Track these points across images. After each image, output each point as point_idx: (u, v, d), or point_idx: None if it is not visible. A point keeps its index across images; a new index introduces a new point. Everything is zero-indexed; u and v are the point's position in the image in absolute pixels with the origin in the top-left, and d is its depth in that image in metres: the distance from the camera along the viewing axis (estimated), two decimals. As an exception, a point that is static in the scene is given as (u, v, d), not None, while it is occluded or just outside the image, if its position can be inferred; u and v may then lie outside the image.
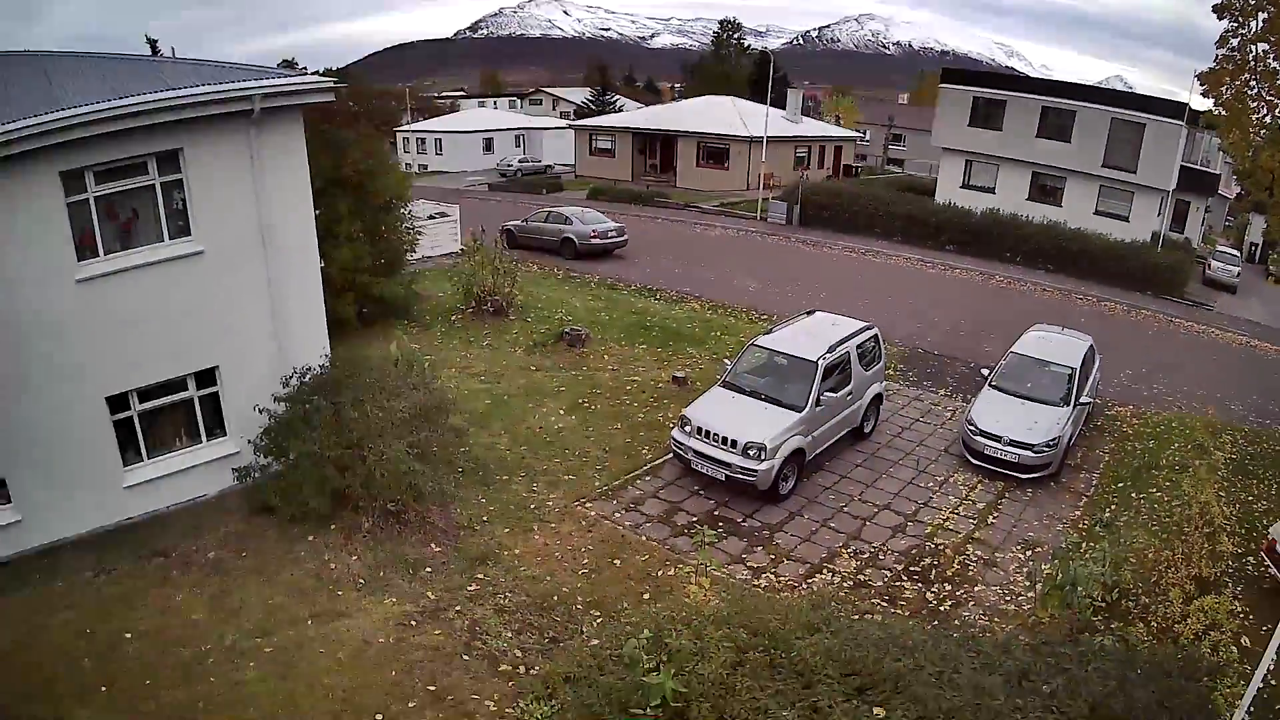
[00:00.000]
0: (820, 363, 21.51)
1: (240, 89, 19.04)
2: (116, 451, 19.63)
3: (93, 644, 15.17)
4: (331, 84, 20.93)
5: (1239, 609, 16.22)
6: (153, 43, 66.81)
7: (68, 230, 18.09)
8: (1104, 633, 14.86)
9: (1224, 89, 26.20)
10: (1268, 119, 25.82)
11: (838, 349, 22.38)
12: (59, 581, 17.28)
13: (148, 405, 19.97)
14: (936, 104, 69.23)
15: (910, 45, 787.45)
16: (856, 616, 15.63)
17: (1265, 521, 20.59)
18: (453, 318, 34.22)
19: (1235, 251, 64.91)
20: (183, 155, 19.17)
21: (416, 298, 35.25)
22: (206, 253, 19.65)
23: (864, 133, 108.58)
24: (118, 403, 19.50)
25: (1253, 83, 25.96)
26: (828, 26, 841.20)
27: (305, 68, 76.50)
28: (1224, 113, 26.55)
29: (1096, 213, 57.43)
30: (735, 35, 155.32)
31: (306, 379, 20.33)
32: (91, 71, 21.48)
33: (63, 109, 17.47)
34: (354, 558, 17.79)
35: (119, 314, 19.00)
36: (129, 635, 15.38)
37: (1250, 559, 19.10)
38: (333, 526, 18.57)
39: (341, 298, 28.21)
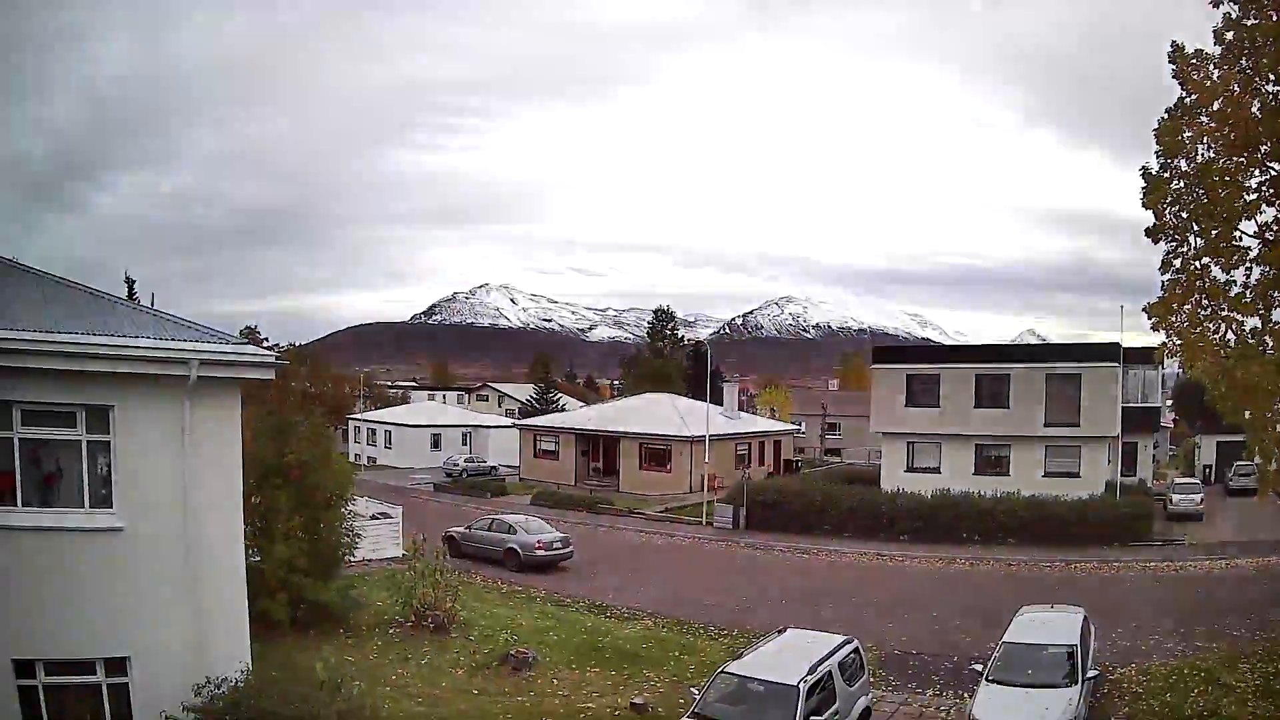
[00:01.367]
0: (801, 686, 19.72)
1: (179, 350, 18.73)
2: (19, 717, 18.17)
3: None
4: (273, 360, 20.96)
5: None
6: (130, 283, 66.99)
7: None
8: None
9: (1175, 317, 25.48)
10: (1229, 338, 25.02)
11: (818, 668, 20.71)
12: None
13: (54, 680, 18.51)
14: (870, 386, 70.18)
15: (829, 326, 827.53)
16: None
17: None
18: (391, 630, 32.59)
19: (1193, 480, 66.23)
20: (113, 414, 18.61)
21: (355, 605, 33.61)
22: (125, 531, 18.74)
23: (800, 424, 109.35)
24: (24, 668, 18.17)
25: (1205, 302, 25.41)
26: (751, 312, 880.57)
27: (266, 338, 77.30)
28: (1179, 341, 25.77)
29: (1046, 475, 57.11)
30: (669, 326, 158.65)
31: (221, 691, 18.86)
32: (53, 297, 20.91)
33: (4, 327, 17.29)
34: None
35: (30, 575, 18.14)
36: None
37: None
38: None
39: (275, 599, 26.96)
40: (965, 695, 24.91)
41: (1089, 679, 22.48)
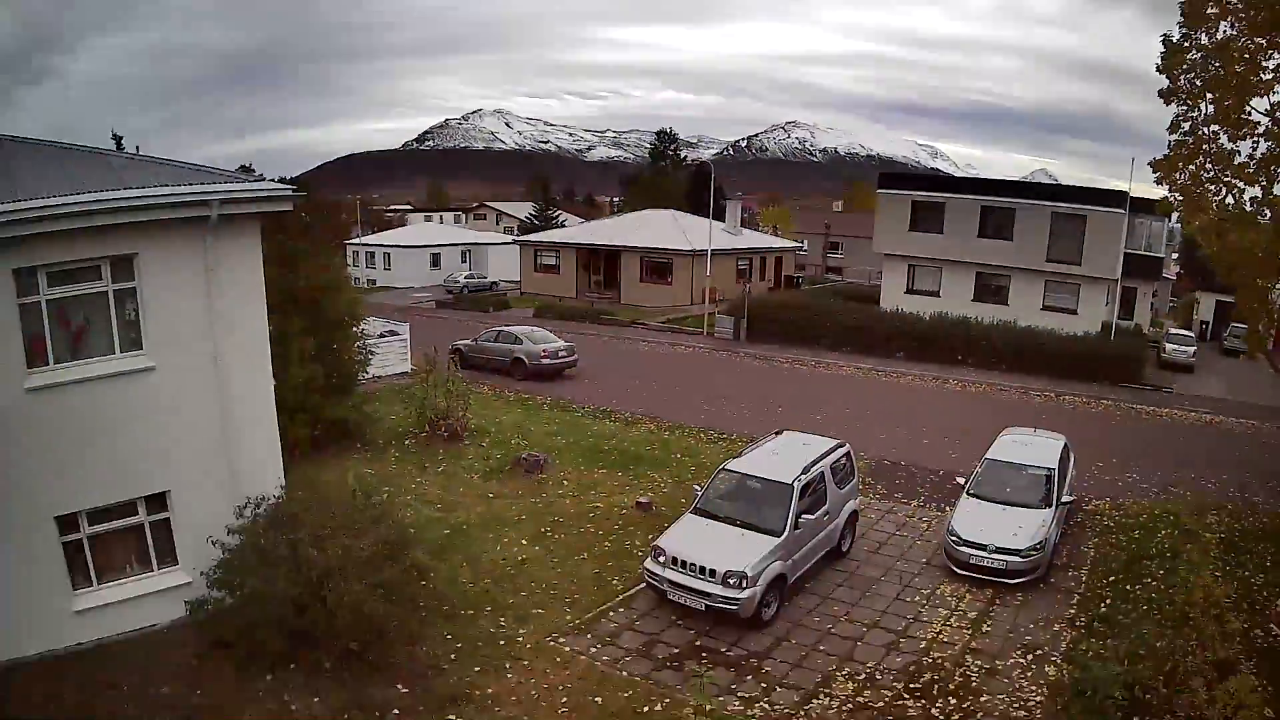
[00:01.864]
0: (796, 485, 21.08)
1: (199, 192, 18.62)
2: (66, 574, 18.81)
3: None
4: (290, 192, 20.65)
5: (1258, 684, 15.68)
6: (118, 139, 66.73)
7: (19, 333, 17.57)
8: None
9: (1178, 175, 26.23)
10: (1228, 200, 25.86)
11: (812, 469, 22.02)
12: (8, 709, 16.40)
13: (98, 528, 19.12)
14: (875, 210, 69.84)
15: (836, 151, 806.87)
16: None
17: (1266, 593, 20.76)
18: (406, 442, 33.61)
19: (1188, 332, 65.79)
20: (137, 261, 18.71)
21: (370, 420, 34.50)
22: (158, 368, 19.07)
23: (802, 242, 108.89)
24: (67, 523, 18.70)
25: (1208, 165, 26.07)
26: (756, 135, 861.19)
27: (262, 175, 77.33)
28: (1180, 198, 26.56)
29: (1044, 308, 58.11)
30: (672, 147, 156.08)
31: (261, 510, 19.47)
32: (52, 162, 20.69)
33: (21, 199, 17.07)
34: (316, 699, 16.80)
35: (69, 428, 18.36)
36: None
37: (1259, 632, 19.01)
38: (292, 665, 17.51)
39: (294, 420, 27.43)
40: (947, 508, 26.23)
41: (1064, 503, 23.83)
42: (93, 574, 19.25)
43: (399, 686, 17.36)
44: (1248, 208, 25.72)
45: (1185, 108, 26.18)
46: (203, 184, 19.04)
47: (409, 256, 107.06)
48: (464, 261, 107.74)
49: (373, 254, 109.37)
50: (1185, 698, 15.04)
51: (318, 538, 18.27)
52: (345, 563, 17.77)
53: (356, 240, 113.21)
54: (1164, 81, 26.50)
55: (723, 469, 22.85)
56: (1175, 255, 78.22)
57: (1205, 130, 25.92)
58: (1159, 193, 28.52)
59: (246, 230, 19.89)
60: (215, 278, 19.30)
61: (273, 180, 22.49)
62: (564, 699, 17.19)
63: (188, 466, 19.78)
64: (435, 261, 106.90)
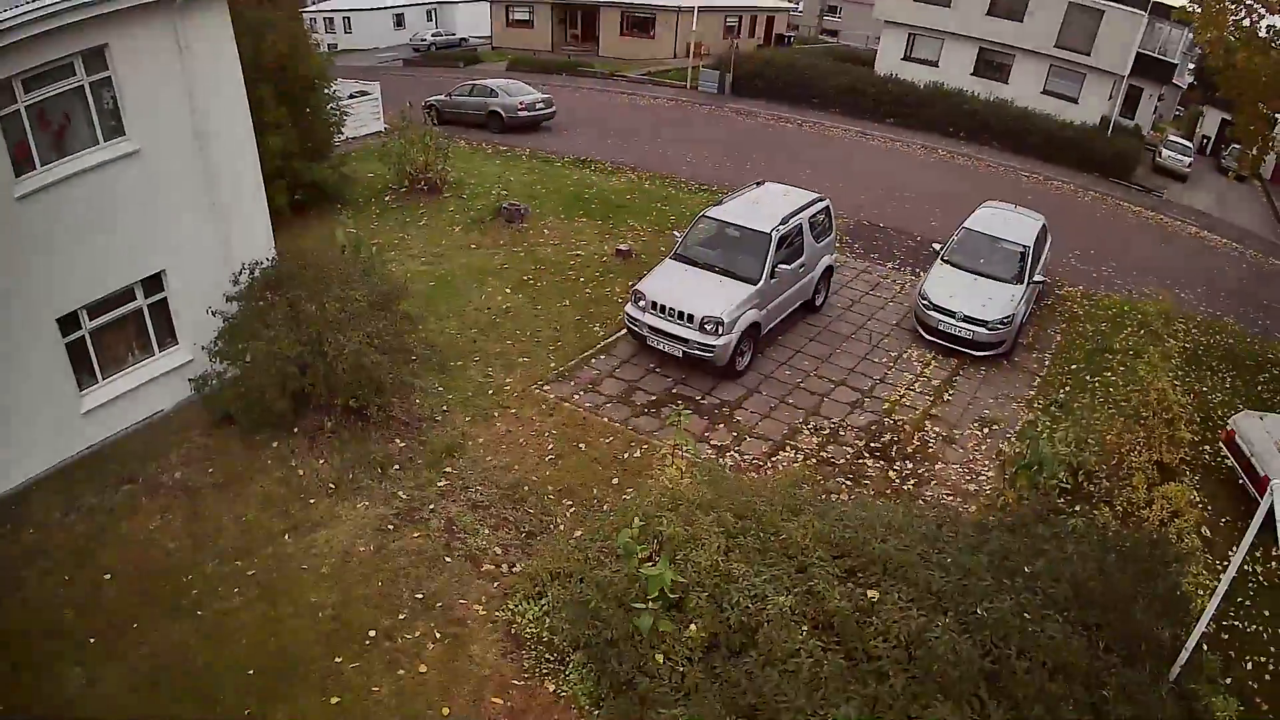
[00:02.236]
0: (774, 234, 21.32)
1: None
2: (72, 377, 19.00)
3: (73, 592, 14.85)
4: None
5: (1198, 498, 16.67)
6: None
7: (2, 145, 17.17)
8: (1071, 515, 15.00)
9: (1202, -16, 26.07)
10: (1245, 21, 25.77)
11: (790, 220, 22.19)
12: (29, 528, 16.72)
13: (98, 322, 19.22)
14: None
15: None
16: (824, 496, 15.92)
17: (1221, 413, 21.16)
18: (386, 198, 33.69)
19: (1187, 141, 64.82)
20: (109, 51, 18.36)
21: (348, 181, 34.44)
22: (143, 151, 18.97)
23: (797, 2, 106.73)
24: (68, 323, 18.79)
25: None
26: None
27: None
28: (1199, 9, 26.45)
29: (1045, 92, 57.09)
30: None
31: (256, 274, 19.92)
32: None
33: None
34: (321, 461, 17.55)
35: (62, 228, 18.35)
36: (108, 576, 15.08)
37: (1207, 448, 19.59)
38: (295, 430, 18.26)
39: (273, 186, 26.86)
40: (920, 272, 27.03)
41: (1035, 282, 24.27)
42: (97, 370, 19.48)
43: (397, 440, 18.14)
44: (1262, 33, 25.54)
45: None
46: None
47: (370, 18, 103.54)
48: (430, 20, 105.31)
49: (331, 20, 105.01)
50: (1126, 492, 15.97)
51: (314, 294, 18.79)
52: (342, 316, 18.31)
53: (313, 8, 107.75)
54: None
55: (703, 215, 23.05)
56: (1191, 65, 76.69)
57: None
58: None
59: (215, 5, 19.68)
60: (189, 56, 19.21)
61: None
62: (550, 446, 18.13)
63: (181, 243, 19.97)
64: (399, 21, 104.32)
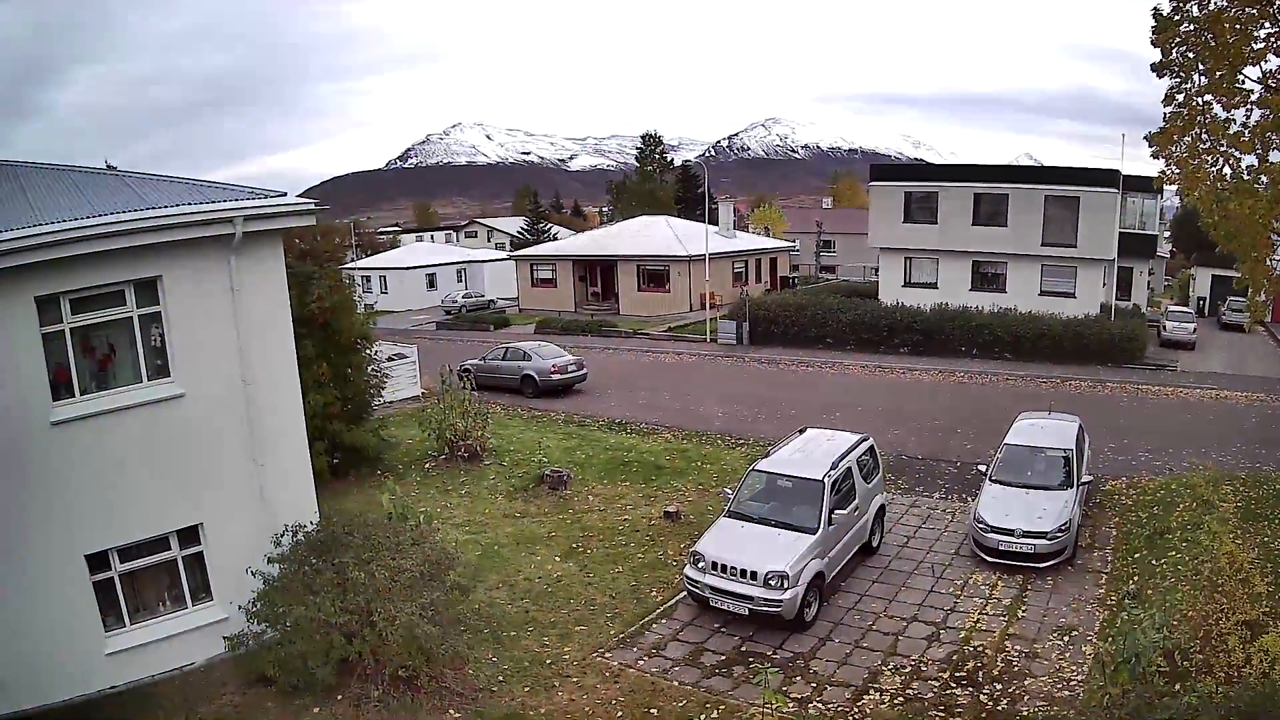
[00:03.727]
0: (826, 480, 21.07)
1: (224, 209, 18.16)
2: (98, 615, 18.30)
3: None
4: (313, 206, 20.23)
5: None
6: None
7: (44, 364, 17.15)
8: (1177, 694, 14.53)
9: (1174, 147, 26.49)
10: (1225, 170, 26.11)
11: (840, 464, 21.99)
12: None
13: (129, 566, 18.63)
14: (869, 204, 69.93)
15: (818, 146, 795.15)
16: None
17: None
18: (426, 465, 33.34)
19: (1187, 309, 65.88)
20: (161, 284, 18.19)
21: (388, 445, 34.12)
22: (186, 396, 18.56)
23: (795, 242, 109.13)
24: (97, 562, 18.19)
25: (1204, 136, 26.22)
26: (737, 134, 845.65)
27: (285, 192, 76.24)
28: (1177, 171, 26.83)
29: (1042, 293, 58.04)
30: (658, 149, 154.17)
31: (300, 537, 19.16)
32: (67, 186, 20.17)
33: (41, 224, 16.68)
34: None
35: (97, 462, 17.88)
36: None
37: None
38: (339, 697, 17.35)
39: (313, 447, 25.62)
40: (968, 498, 26.67)
41: (1083, 484, 24.07)
42: (125, 613, 18.83)
43: (451, 712, 17.21)
44: (1245, 176, 25.81)
45: (1178, 80, 26.27)
46: (225, 200, 18.69)
47: (405, 278, 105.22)
48: (459, 280, 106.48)
49: (369, 277, 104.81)
50: (1222, 658, 15.41)
51: (362, 561, 18.07)
52: (393, 585, 17.59)
53: (351, 264, 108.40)
54: (1147, 56, 26.71)
55: (753, 469, 22.86)
56: (1167, 233, 78.18)
57: (1199, 101, 26.01)
58: (1153, 168, 28.73)
59: (269, 248, 19.51)
60: (240, 298, 18.88)
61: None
62: (619, 713, 17.16)
63: (220, 497, 19.35)
64: (431, 282, 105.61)
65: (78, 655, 17.96)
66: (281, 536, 18.94)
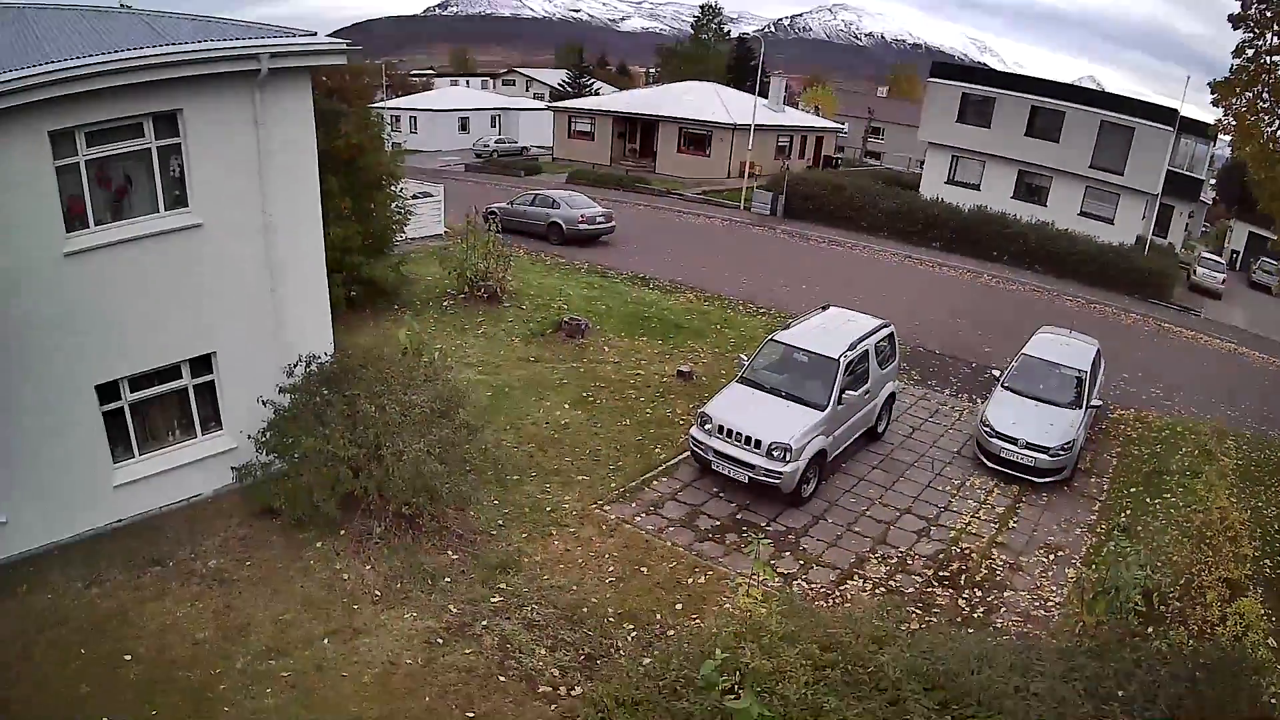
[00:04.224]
0: (842, 360, 21.00)
1: (248, 46, 17.69)
2: (106, 447, 18.16)
3: (87, 666, 14.06)
4: (344, 46, 19.56)
5: (1265, 611, 16.08)
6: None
7: (56, 197, 16.72)
8: (1149, 637, 14.46)
9: (1236, 100, 26.15)
10: (1279, 132, 25.74)
11: (858, 346, 21.91)
12: (46, 593, 16.03)
13: (139, 395, 18.43)
14: (923, 98, 68.94)
15: (882, 37, 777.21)
16: (896, 626, 15.42)
17: (1276, 527, 21.06)
18: (444, 303, 33.01)
19: (1219, 259, 65.01)
20: (182, 117, 17.64)
21: (407, 281, 33.82)
22: (205, 226, 18.22)
23: (844, 125, 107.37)
24: (107, 392, 18.01)
25: (1266, 95, 25.96)
26: (800, 15, 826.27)
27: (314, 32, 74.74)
28: (1233, 123, 26.49)
29: (1081, 214, 57.22)
30: (715, 20, 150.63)
31: (313, 369, 19.05)
32: (80, 25, 19.38)
33: (52, 62, 16.03)
34: (368, 567, 16.79)
35: (110, 293, 17.64)
36: (128, 657, 14.30)
37: (1268, 562, 19.31)
38: (342, 532, 17.47)
39: (331, 279, 25.25)
40: (978, 399, 26.80)
41: (1093, 406, 23.99)
42: (134, 444, 18.70)
43: (449, 552, 17.37)
44: None
45: (1252, 34, 25.96)
46: (252, 38, 18.14)
47: (437, 121, 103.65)
48: (493, 127, 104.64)
49: (398, 118, 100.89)
50: (1199, 611, 15.53)
51: (374, 395, 18.07)
52: (403, 420, 17.59)
53: (381, 104, 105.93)
54: (1232, 6, 26.27)
55: (770, 339, 22.76)
56: (1213, 181, 76.86)
57: (1268, 60, 25.78)
58: (1209, 115, 28.42)
59: (297, 87, 18.98)
60: (265, 134, 18.47)
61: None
62: (610, 567, 17.42)
63: (235, 327, 19.16)
64: (464, 126, 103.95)
65: (87, 488, 18.06)
66: (295, 367, 18.98)
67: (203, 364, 19.12)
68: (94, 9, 20.93)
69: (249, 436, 18.48)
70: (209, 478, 19.19)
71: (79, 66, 16.09)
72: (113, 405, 18.14)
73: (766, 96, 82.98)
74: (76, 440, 17.74)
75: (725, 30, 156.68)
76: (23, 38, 18.24)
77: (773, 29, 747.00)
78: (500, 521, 18.56)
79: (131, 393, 18.32)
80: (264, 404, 18.38)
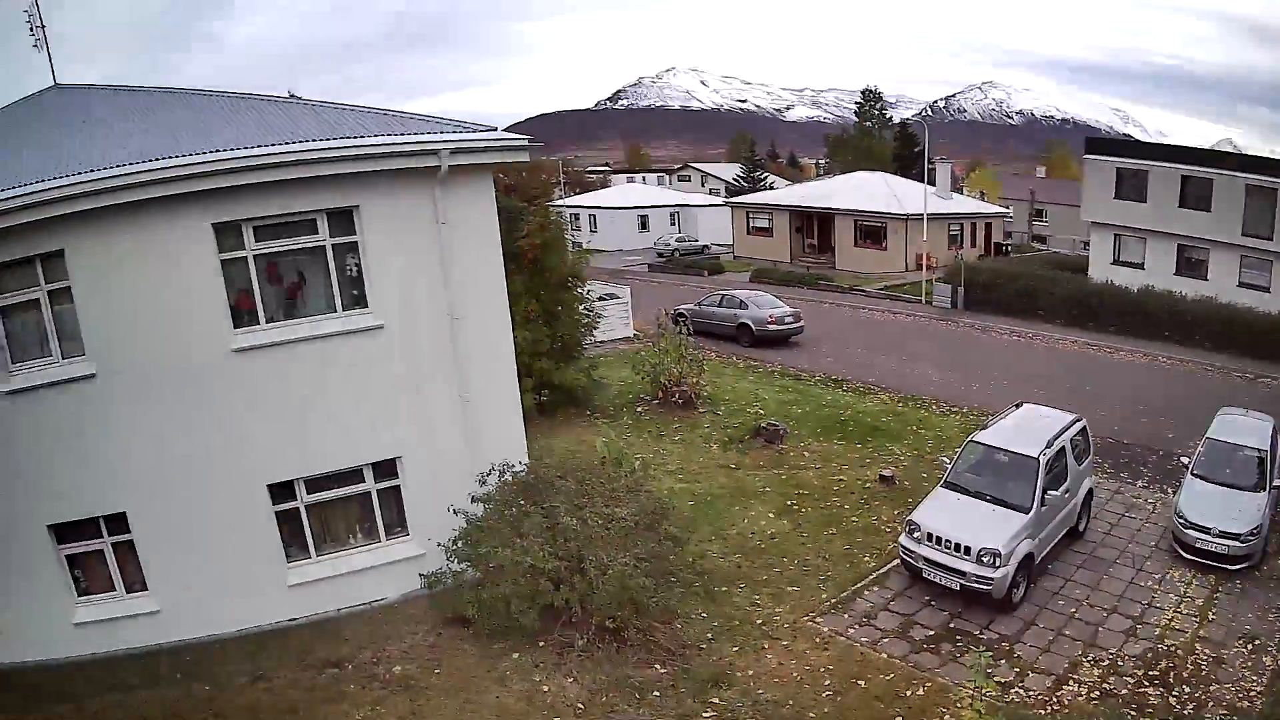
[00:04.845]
0: (1041, 459, 20.20)
1: (428, 141, 17.24)
2: (279, 545, 17.92)
3: None
4: (527, 142, 18.79)
5: None
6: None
7: (222, 291, 16.62)
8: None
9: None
10: None
11: (1054, 443, 21.10)
12: (205, 684, 15.69)
13: (317, 497, 18.12)
14: (1079, 176, 67.00)
15: (1031, 113, 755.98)
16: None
17: None
18: (638, 409, 32.30)
19: None
20: (358, 214, 17.29)
21: (598, 386, 32.91)
22: (386, 327, 17.79)
23: (1008, 208, 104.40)
24: (282, 492, 17.77)
25: None
26: (954, 96, 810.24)
27: (494, 127, 74.96)
28: None
29: (1240, 284, 53.87)
30: (877, 105, 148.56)
31: (508, 477, 18.21)
32: (254, 114, 19.02)
33: (219, 150, 16.05)
34: (569, 679, 15.97)
35: (283, 391, 17.40)
36: None
37: None
38: (541, 643, 16.75)
39: (520, 384, 23.39)
40: (1169, 489, 25.35)
41: (1276, 486, 22.63)
42: (311, 545, 18.34)
43: (657, 666, 16.57)
44: None
45: None
46: (429, 133, 17.66)
47: (617, 218, 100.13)
48: (673, 224, 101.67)
49: (577, 216, 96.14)
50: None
51: (576, 506, 17.22)
52: (606, 533, 16.76)
53: (560, 202, 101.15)
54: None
55: (970, 440, 22.11)
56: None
57: None
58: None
59: (479, 183, 18.31)
60: (448, 232, 17.82)
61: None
62: (826, 681, 16.68)
63: (422, 431, 18.50)
64: (643, 224, 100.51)
65: (257, 584, 17.82)
66: (488, 475, 18.15)
67: (387, 468, 18.66)
68: (262, 96, 20.82)
69: (438, 544, 17.83)
70: (393, 583, 18.74)
71: (249, 157, 16.02)
72: (286, 505, 17.96)
73: (934, 184, 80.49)
74: (247, 536, 17.64)
75: (887, 116, 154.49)
76: (196, 124, 18.27)
77: (930, 111, 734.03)
78: (710, 634, 17.84)
79: (308, 494, 18.09)
80: (455, 513, 17.77)
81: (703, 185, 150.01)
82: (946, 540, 19.25)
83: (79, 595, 17.61)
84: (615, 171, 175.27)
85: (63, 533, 17.21)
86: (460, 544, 17.62)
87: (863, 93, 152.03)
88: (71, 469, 16.78)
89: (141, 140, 17.42)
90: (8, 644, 17.17)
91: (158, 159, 15.83)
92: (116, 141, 17.59)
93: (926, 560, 19.45)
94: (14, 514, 16.81)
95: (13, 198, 15.18)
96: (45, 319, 16.41)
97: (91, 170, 15.63)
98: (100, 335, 16.42)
